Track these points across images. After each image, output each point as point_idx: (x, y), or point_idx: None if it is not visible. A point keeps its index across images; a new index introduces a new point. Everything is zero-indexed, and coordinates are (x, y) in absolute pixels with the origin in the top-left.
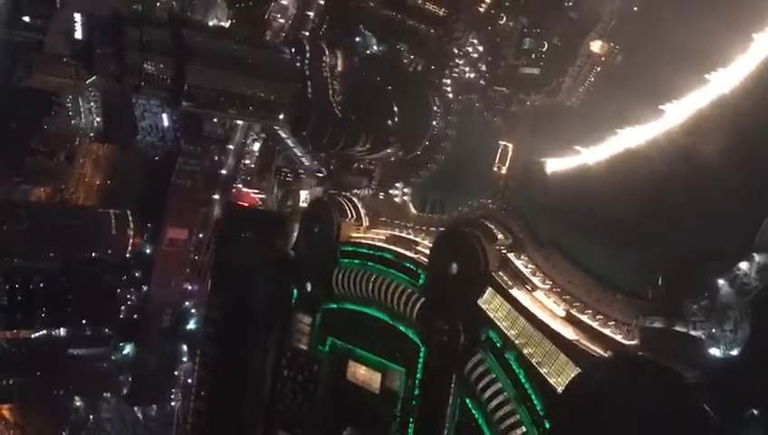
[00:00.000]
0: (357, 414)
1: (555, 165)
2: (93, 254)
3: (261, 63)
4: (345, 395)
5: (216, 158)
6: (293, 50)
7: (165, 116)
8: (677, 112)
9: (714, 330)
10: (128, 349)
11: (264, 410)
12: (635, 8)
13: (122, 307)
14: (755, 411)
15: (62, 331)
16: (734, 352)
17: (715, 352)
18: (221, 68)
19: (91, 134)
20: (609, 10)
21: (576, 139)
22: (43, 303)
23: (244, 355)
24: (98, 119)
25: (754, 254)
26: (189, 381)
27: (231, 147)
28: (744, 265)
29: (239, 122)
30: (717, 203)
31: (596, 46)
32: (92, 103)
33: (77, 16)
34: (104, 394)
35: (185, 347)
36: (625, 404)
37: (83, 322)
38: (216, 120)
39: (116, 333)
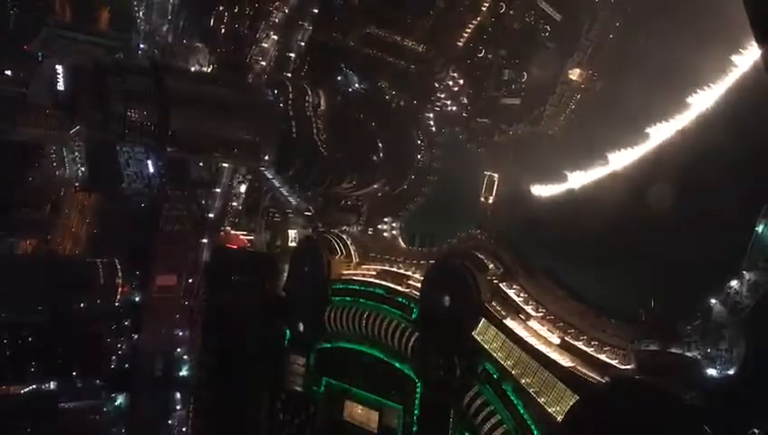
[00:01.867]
0: None
1: (541, 192)
2: (82, 304)
3: (244, 106)
4: None
5: (203, 201)
6: (276, 91)
7: (150, 162)
8: (660, 134)
9: (709, 350)
10: (120, 400)
11: None
12: (611, 36)
13: (113, 357)
14: (756, 431)
15: (52, 384)
16: (731, 372)
17: (711, 372)
18: (204, 112)
19: (77, 184)
20: (586, 38)
21: (560, 166)
22: (32, 357)
23: (238, 400)
24: (82, 168)
25: (744, 272)
26: (184, 429)
27: (217, 190)
28: (735, 284)
29: (225, 165)
30: (705, 222)
31: (574, 74)
32: (76, 153)
33: (59, 67)
34: None
35: (178, 395)
36: (625, 429)
37: (73, 374)
38: (201, 163)
39: (107, 384)
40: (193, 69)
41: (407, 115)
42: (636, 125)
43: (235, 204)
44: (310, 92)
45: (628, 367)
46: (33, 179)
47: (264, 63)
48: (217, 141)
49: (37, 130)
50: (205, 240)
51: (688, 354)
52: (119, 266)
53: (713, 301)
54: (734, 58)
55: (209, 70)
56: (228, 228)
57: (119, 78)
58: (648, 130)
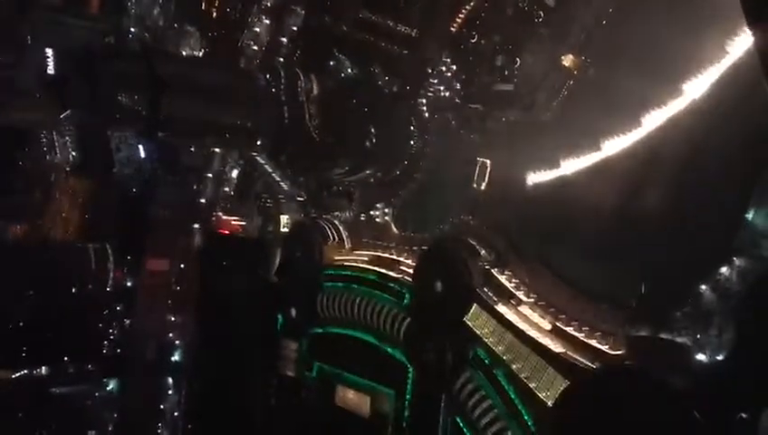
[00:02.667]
0: None
1: (534, 179)
2: (73, 289)
3: (236, 91)
4: (335, 420)
5: (195, 187)
6: (268, 76)
7: (141, 148)
8: (653, 121)
9: (699, 336)
10: (112, 385)
11: None
12: (604, 22)
13: (105, 342)
14: (744, 415)
15: (44, 369)
16: (720, 357)
17: (701, 357)
18: (196, 97)
19: (67, 169)
20: (579, 24)
21: (553, 152)
22: (24, 342)
23: (230, 385)
24: (73, 153)
25: (735, 258)
26: (176, 414)
27: (209, 175)
28: (725, 270)
29: (216, 150)
30: (697, 208)
31: (567, 61)
32: (67, 138)
33: (48, 51)
34: (89, 432)
35: (170, 380)
36: (615, 414)
37: (65, 359)
38: (192, 149)
39: (99, 369)
40: (184, 53)
41: (399, 101)
42: (629, 112)
43: (226, 189)
44: (302, 77)
45: (619, 352)
46: (22, 164)
47: (256, 48)
48: (209, 126)
49: (26, 114)
50: (196, 225)
51: (678, 340)
52: (110, 251)
53: (703, 287)
54: (728, 44)
55: (201, 54)
56: (220, 214)
57: (109, 62)
58: (641, 116)
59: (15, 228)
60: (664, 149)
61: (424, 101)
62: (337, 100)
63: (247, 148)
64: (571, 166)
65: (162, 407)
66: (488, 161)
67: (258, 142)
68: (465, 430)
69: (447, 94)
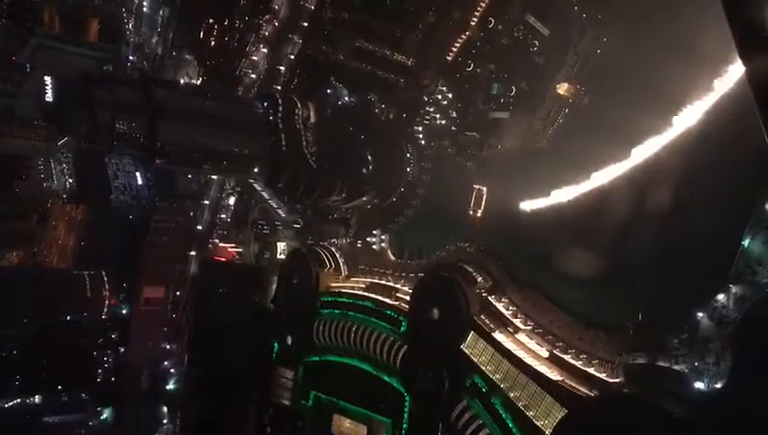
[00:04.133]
0: None
1: (529, 206)
2: (68, 317)
3: (233, 118)
4: None
5: (191, 214)
6: (266, 103)
7: (138, 174)
8: (645, 151)
9: (696, 363)
10: (106, 414)
11: None
12: (598, 51)
13: (99, 371)
14: None
15: (37, 398)
16: (718, 385)
17: (699, 385)
18: (193, 125)
19: (64, 196)
20: (574, 53)
21: (548, 179)
22: (17, 370)
23: (225, 414)
24: (70, 180)
25: (731, 285)
26: None
27: (206, 202)
28: (721, 297)
29: (214, 177)
30: (691, 236)
31: (562, 89)
32: (64, 165)
33: (47, 79)
34: None
35: (165, 409)
36: None
37: (59, 388)
38: (190, 175)
39: (93, 397)
40: (182, 81)
41: (396, 128)
42: (623, 141)
43: (223, 216)
44: (299, 105)
45: (617, 380)
46: (19, 191)
47: (253, 76)
48: (206, 153)
49: (24, 142)
50: (193, 253)
51: (676, 368)
52: (105, 279)
53: (700, 314)
54: (718, 76)
55: (199, 82)
56: (217, 241)
57: (107, 89)
58: (634, 146)
59: (11, 255)
60: (657, 178)
61: (420, 128)
62: (334, 127)
63: (244, 175)
64: (566, 193)
65: None
66: (484, 188)
67: (255, 170)
68: None
69: (444, 122)
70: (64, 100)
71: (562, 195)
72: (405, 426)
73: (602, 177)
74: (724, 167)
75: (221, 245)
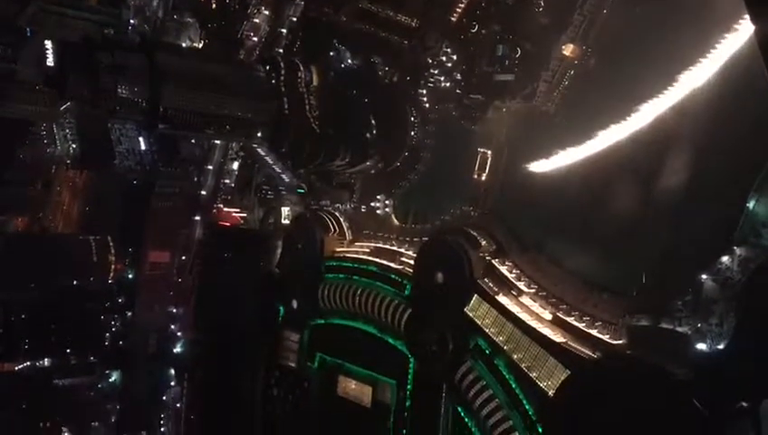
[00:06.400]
0: (350, 429)
1: (534, 169)
2: (75, 282)
3: (236, 82)
4: (337, 411)
5: (195, 179)
6: (268, 67)
7: (142, 139)
8: (652, 111)
9: (699, 325)
10: (114, 376)
11: (256, 431)
12: (604, 11)
13: (107, 334)
14: (744, 404)
15: (47, 361)
16: (721, 346)
17: (701, 346)
18: (196, 89)
19: (68, 161)
20: (579, 14)
21: (554, 142)
22: (26, 334)
23: (232, 377)
24: (74, 145)
25: (735, 247)
26: (178, 405)
27: (210, 167)
28: (725, 259)
29: (217, 142)
30: (697, 198)
31: (568, 50)
32: (68, 130)
33: (48, 43)
34: (92, 424)
35: (172, 371)
36: (616, 403)
37: (68, 351)
38: (193, 140)
39: (101, 361)
40: (184, 45)
41: (400, 91)
42: (628, 102)
43: (227, 181)
44: (302, 69)
45: (619, 342)
46: (23, 157)
47: (255, 39)
48: (209, 118)
49: (27, 107)
50: (197, 217)
51: (679, 329)
52: (111, 244)
53: (704, 276)
54: (727, 38)
55: (200, 46)
56: (221, 205)
57: (109, 54)
58: (641, 106)
59: (17, 221)
60: (664, 139)
61: (424, 91)
62: (337, 91)
63: (247, 140)
64: (571, 156)
65: (164, 398)
66: (489, 152)
67: (258, 134)
68: (466, 419)
69: (448, 85)
70: (66, 65)
71: (567, 157)
72: (409, 387)
73: (607, 139)
74: (731, 129)
75: (225, 210)
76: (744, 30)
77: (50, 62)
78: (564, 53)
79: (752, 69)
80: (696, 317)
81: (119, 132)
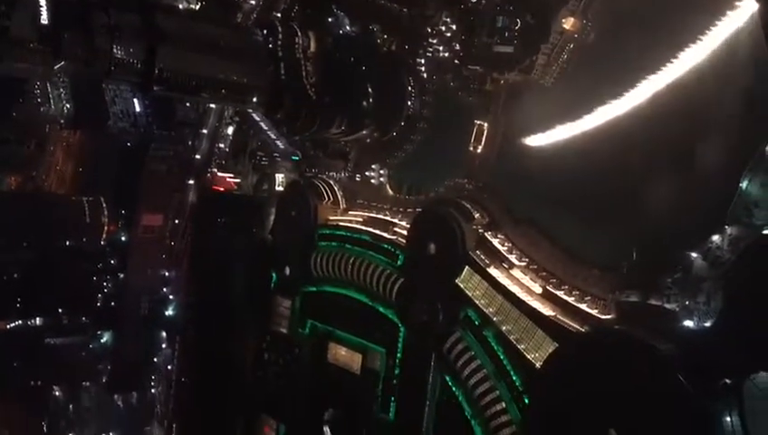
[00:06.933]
0: (339, 395)
1: (530, 142)
2: (68, 242)
3: (232, 46)
4: (327, 377)
5: (190, 142)
6: (265, 32)
7: (136, 101)
8: (650, 87)
9: (687, 302)
10: (106, 337)
11: (246, 395)
12: None
13: (99, 295)
14: (728, 381)
15: (39, 320)
16: (707, 324)
17: (688, 323)
18: (192, 51)
19: (62, 121)
20: None
21: (551, 116)
22: (18, 293)
23: (224, 340)
24: (68, 105)
25: (726, 226)
26: (169, 367)
27: (204, 131)
28: (716, 238)
29: (212, 106)
30: (691, 176)
31: (568, 24)
32: (62, 89)
33: (42, 1)
34: (83, 383)
35: (164, 334)
36: (601, 377)
37: (60, 311)
38: (188, 104)
39: (93, 321)
40: (181, 6)
41: (398, 60)
42: (627, 77)
43: (222, 146)
44: (300, 34)
45: (608, 317)
46: (16, 115)
47: (253, 2)
48: (205, 81)
49: (20, 65)
50: (191, 181)
51: (667, 306)
52: (104, 205)
53: (694, 254)
54: (730, 12)
55: (197, 8)
56: (215, 170)
57: (104, 13)
58: (639, 82)
59: (10, 180)
60: (661, 116)
61: (423, 61)
62: (335, 58)
63: (243, 104)
64: (568, 130)
65: (155, 360)
66: (485, 124)
67: (254, 99)
68: (454, 388)
69: (447, 55)
70: (61, 23)
71: (564, 132)
72: (399, 355)
73: (604, 114)
74: (728, 108)
75: (219, 174)
76: (745, 7)
77: (44, 19)
78: (564, 26)
79: (752, 48)
80: (684, 295)
81: (113, 93)
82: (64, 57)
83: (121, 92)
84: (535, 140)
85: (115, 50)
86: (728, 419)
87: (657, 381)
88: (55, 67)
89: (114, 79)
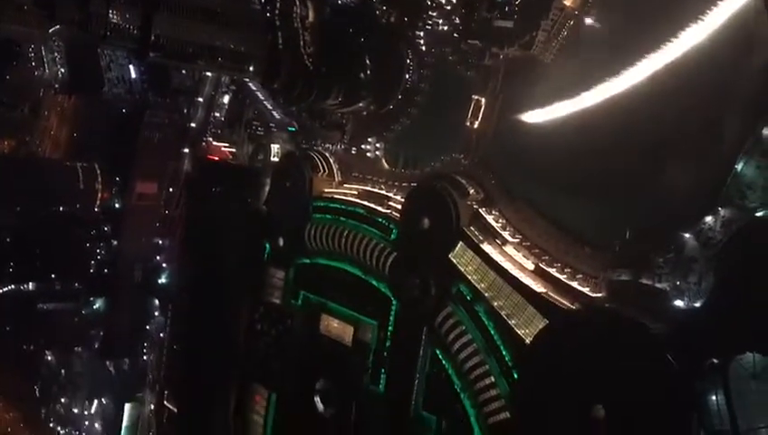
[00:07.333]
0: (330, 366)
1: (528, 118)
2: (61, 208)
3: (230, 13)
4: (318, 348)
5: (185, 110)
6: (263, 0)
7: (132, 68)
8: (650, 66)
9: (678, 282)
10: (98, 304)
11: (238, 364)
12: None
13: (92, 262)
14: (715, 360)
15: (31, 285)
16: (697, 304)
17: (679, 303)
18: (189, 18)
19: (56, 85)
20: None
21: (549, 92)
22: (11, 258)
23: (216, 309)
24: (62, 69)
25: (719, 208)
26: (161, 335)
27: (200, 99)
28: (709, 219)
29: (208, 74)
30: (686, 157)
31: (569, 0)
32: (56, 53)
33: None
34: (75, 349)
35: (156, 302)
36: (590, 354)
37: (52, 276)
38: (184, 71)
39: (86, 287)
40: None
41: (396, 32)
42: (626, 56)
43: (217, 114)
44: (298, 3)
45: (599, 295)
46: (10, 78)
47: None
48: (201, 49)
49: (14, 27)
50: (186, 150)
51: (658, 286)
52: (98, 172)
53: (686, 235)
54: None
55: None
56: (210, 139)
57: None
58: (638, 62)
59: (3, 144)
60: (659, 95)
61: (422, 34)
62: (333, 28)
63: (239, 73)
64: (566, 107)
65: (148, 327)
66: (483, 99)
67: (251, 68)
68: (444, 362)
69: (446, 28)
70: None
71: (562, 109)
72: (390, 328)
73: (603, 92)
74: (726, 89)
75: (214, 144)
76: None
77: None
78: (565, 2)
79: (752, 30)
80: (675, 274)
81: (108, 59)
82: (59, 20)
83: (117, 58)
84: (533, 117)
85: (111, 14)
86: (714, 398)
87: (645, 359)
88: (50, 30)
89: (109, 44)
